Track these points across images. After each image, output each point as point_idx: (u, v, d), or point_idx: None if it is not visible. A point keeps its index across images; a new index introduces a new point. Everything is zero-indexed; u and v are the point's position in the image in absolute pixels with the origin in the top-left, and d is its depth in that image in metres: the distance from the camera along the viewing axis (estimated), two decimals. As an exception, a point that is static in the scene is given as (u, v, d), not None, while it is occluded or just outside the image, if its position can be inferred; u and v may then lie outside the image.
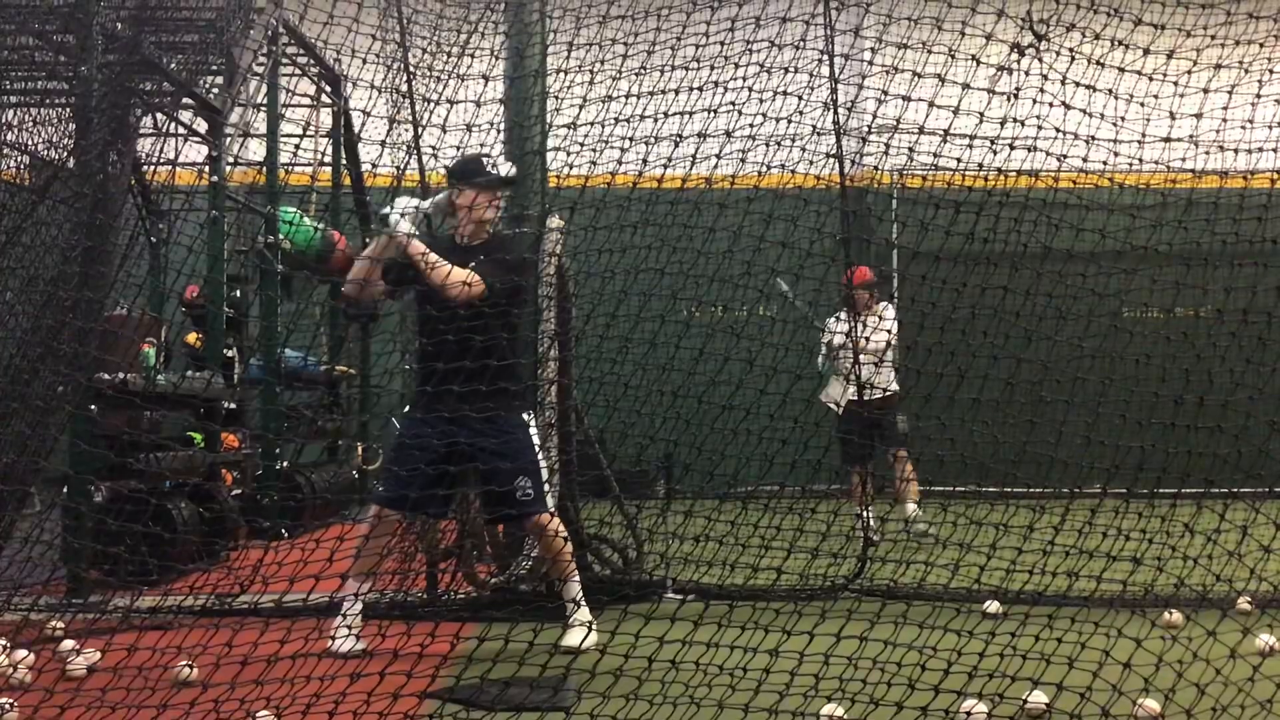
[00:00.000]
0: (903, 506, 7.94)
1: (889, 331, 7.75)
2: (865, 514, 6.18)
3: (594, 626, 4.80)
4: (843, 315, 8.04)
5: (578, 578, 4.99)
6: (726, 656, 3.87)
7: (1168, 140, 4.85)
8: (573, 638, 4.72)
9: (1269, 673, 3.89)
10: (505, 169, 5.04)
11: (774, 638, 3.94)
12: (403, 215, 4.84)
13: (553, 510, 4.99)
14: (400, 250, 4.83)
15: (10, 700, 3.85)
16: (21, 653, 4.39)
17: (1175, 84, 4.77)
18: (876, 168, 5.41)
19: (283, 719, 3.67)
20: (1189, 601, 4.88)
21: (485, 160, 5.06)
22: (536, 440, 5.01)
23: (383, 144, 5.53)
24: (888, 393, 7.92)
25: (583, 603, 4.91)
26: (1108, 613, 4.38)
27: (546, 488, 4.98)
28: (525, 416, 5.00)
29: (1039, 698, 3.73)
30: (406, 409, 5.16)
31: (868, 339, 7.57)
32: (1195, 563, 4.60)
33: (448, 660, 4.27)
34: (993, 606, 5.30)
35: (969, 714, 3.68)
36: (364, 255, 5.00)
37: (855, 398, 7.84)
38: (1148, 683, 3.71)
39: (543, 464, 4.99)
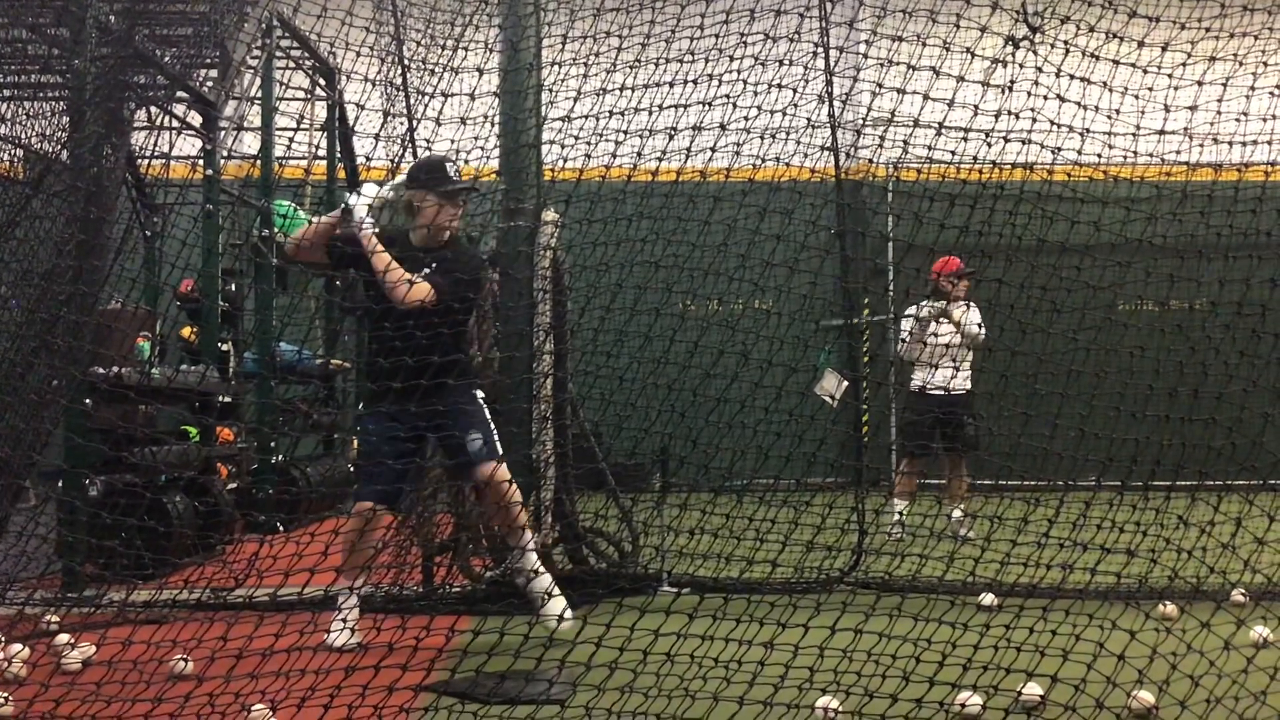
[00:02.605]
0: (953, 507, 7.90)
1: (978, 331, 7.70)
2: (861, 506, 6.16)
3: (554, 592, 4.81)
4: (928, 305, 8.00)
5: (531, 540, 5.00)
6: (722, 649, 3.87)
7: (1162, 133, 4.85)
8: (554, 607, 4.72)
9: (1262, 664, 3.90)
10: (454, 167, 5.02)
11: (769, 630, 3.94)
12: (361, 203, 4.81)
13: (501, 459, 5.01)
14: (353, 237, 4.83)
15: (5, 694, 3.84)
16: (16, 647, 4.38)
17: (1170, 76, 4.77)
18: (871, 160, 5.40)
19: (277, 713, 3.67)
20: (1183, 594, 4.89)
21: (449, 165, 5.00)
22: (485, 406, 5.05)
23: (377, 137, 5.52)
24: (962, 390, 7.86)
25: (542, 570, 4.93)
26: (1101, 605, 4.39)
27: (496, 439, 5.01)
28: (476, 392, 5.05)
29: (1034, 690, 3.74)
30: (360, 405, 5.20)
31: (963, 319, 7.54)
32: (1189, 555, 4.61)
33: (443, 654, 4.28)
34: (987, 599, 5.31)
35: (964, 706, 3.68)
36: (321, 221, 5.00)
37: (932, 390, 7.84)
38: (1142, 674, 3.72)
39: (492, 423, 5.03)
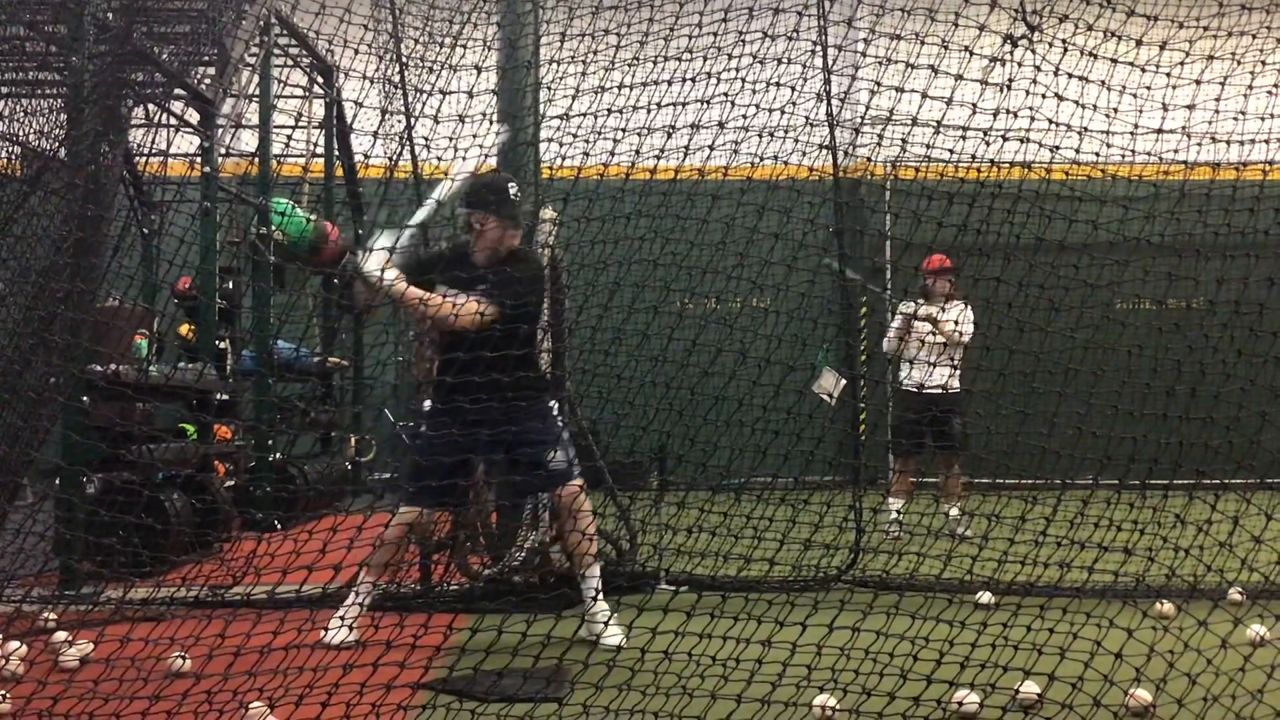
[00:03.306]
0: (949, 505, 7.89)
1: (970, 328, 7.70)
2: (858, 504, 6.16)
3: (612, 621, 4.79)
4: (919, 302, 8.02)
5: (596, 568, 4.98)
6: (720, 647, 3.88)
7: (1160, 132, 4.84)
8: (612, 638, 4.69)
9: (1260, 662, 3.90)
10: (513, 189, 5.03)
11: (767, 628, 3.94)
12: (373, 261, 4.74)
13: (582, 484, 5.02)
14: (389, 296, 4.80)
15: (2, 692, 3.84)
16: (14, 645, 4.38)
17: (1169, 75, 4.76)
18: (870, 159, 5.39)
19: (275, 710, 3.67)
20: (1180, 592, 4.89)
21: (511, 187, 5.02)
22: (560, 422, 5.05)
23: (375, 134, 5.51)
24: (954, 389, 7.86)
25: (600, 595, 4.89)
26: (1099, 603, 4.39)
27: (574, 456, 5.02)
28: (551, 404, 5.05)
29: (1031, 688, 3.74)
30: (426, 403, 5.14)
31: (956, 325, 7.56)
32: (1186, 554, 4.61)
33: (441, 651, 4.28)
34: (985, 597, 5.31)
35: (961, 704, 3.69)
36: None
37: (915, 388, 7.85)
38: (1139, 673, 3.72)
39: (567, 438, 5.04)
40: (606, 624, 4.78)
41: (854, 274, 7.78)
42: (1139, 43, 4.69)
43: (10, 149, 5.60)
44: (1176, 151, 4.99)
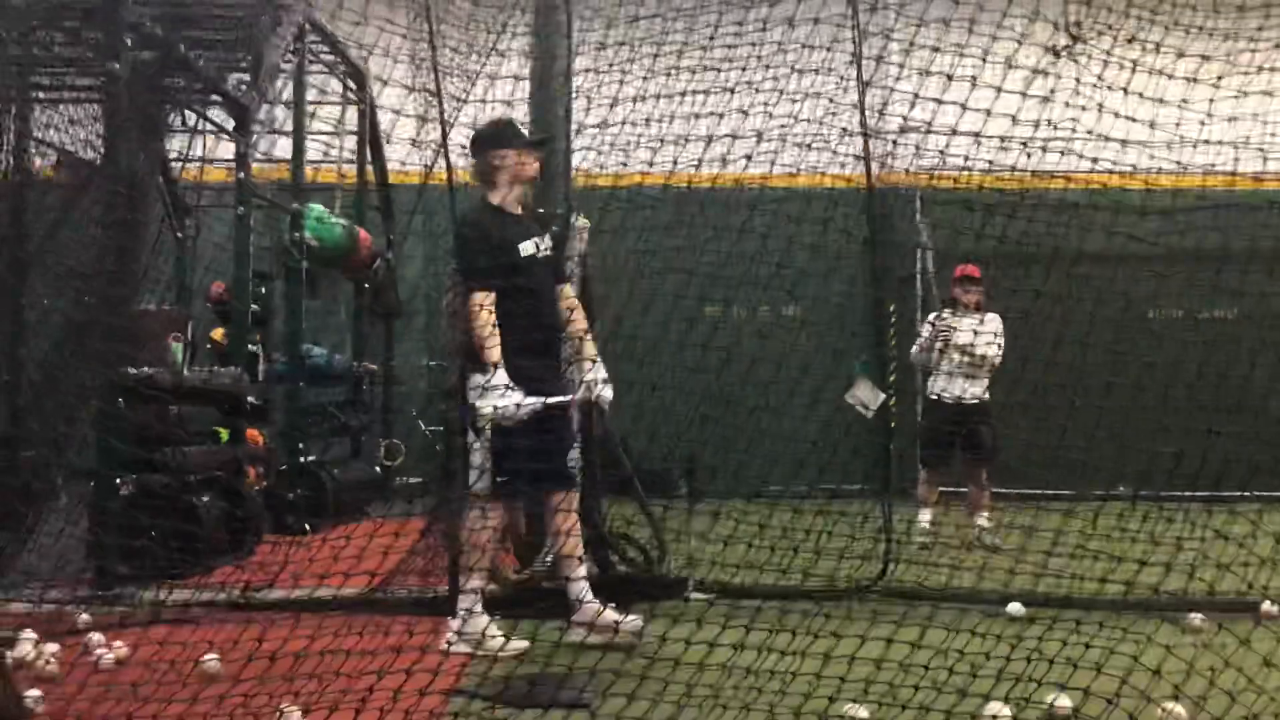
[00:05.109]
0: (976, 518, 7.85)
1: (999, 342, 7.65)
2: (888, 511, 6.12)
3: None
4: (947, 314, 7.98)
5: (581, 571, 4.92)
6: (753, 658, 3.86)
7: (1208, 143, 4.79)
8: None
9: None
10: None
11: (800, 639, 3.92)
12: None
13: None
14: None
15: (39, 692, 3.86)
16: (51, 646, 4.41)
17: (1215, 86, 4.71)
18: (907, 170, 5.37)
19: (309, 714, 3.68)
20: (1215, 604, 4.83)
21: (515, 122, 5.13)
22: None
23: (414, 142, 5.53)
24: (983, 400, 7.80)
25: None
26: (1135, 620, 4.34)
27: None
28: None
29: (1065, 702, 3.71)
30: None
31: (973, 342, 7.51)
32: (1208, 559, 4.56)
33: (474, 657, 4.28)
34: (1018, 610, 5.27)
35: (994, 717, 3.65)
36: None
37: (947, 399, 7.81)
38: (1178, 689, 3.68)
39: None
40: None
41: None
42: (1180, 55, 4.65)
43: (55, 155, 5.65)
44: (1213, 164, 4.94)
